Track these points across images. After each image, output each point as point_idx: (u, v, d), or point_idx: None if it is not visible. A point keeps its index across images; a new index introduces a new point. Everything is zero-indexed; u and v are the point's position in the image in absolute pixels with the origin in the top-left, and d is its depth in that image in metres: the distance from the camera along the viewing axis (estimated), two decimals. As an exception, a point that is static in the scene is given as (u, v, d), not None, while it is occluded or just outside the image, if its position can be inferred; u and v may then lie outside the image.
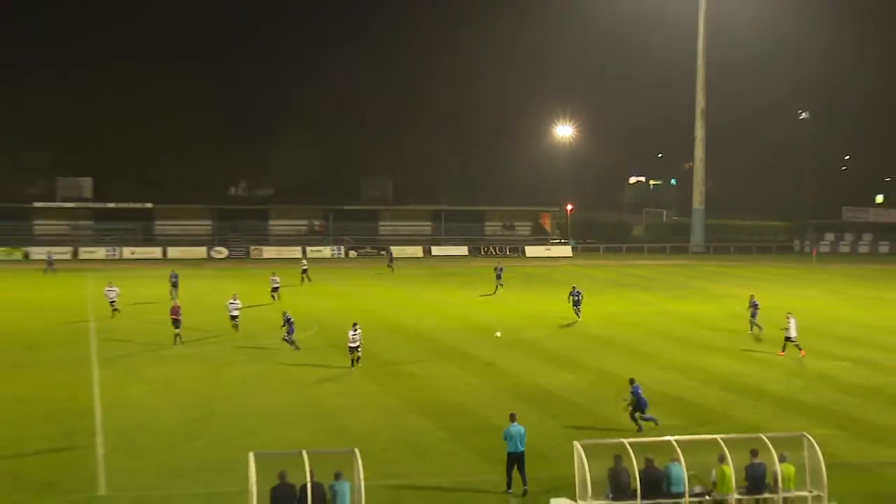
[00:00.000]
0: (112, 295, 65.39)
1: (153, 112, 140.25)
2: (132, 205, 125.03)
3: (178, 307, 56.55)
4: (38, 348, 53.38)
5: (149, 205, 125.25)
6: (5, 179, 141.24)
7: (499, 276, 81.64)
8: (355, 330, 48.12)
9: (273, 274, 75.88)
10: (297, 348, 52.41)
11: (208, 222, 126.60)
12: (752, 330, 59.84)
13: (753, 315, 60.12)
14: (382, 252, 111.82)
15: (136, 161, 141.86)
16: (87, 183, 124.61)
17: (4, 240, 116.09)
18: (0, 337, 57.04)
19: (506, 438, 30.48)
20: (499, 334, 43.84)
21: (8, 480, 31.02)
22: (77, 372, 47.04)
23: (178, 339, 54.61)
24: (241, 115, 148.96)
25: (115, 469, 32.19)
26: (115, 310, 64.67)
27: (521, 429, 30.66)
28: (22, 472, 31.91)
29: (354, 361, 48.08)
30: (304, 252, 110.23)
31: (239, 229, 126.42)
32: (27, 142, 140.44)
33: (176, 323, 55.07)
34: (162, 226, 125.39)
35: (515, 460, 30.25)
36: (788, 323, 52.87)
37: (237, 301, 59.44)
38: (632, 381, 37.22)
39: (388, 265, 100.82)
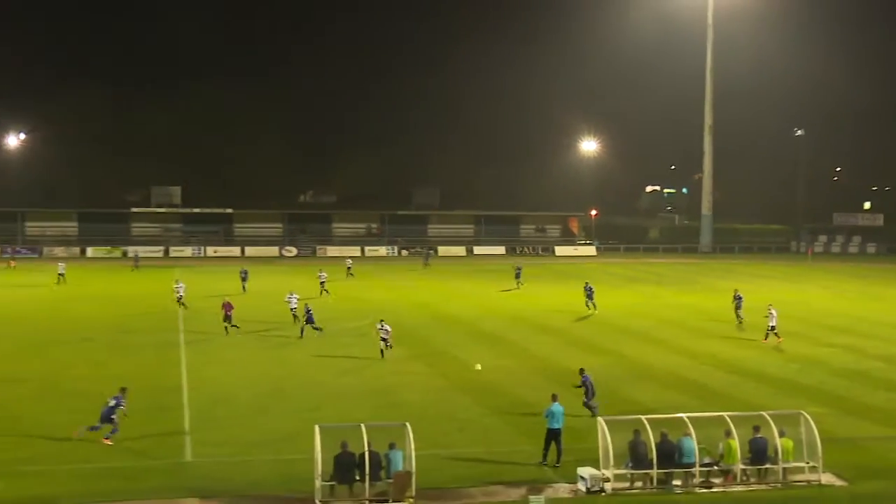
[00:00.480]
0: (180, 290, 64.00)
1: (234, 128, 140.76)
2: (215, 210, 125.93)
3: (230, 303, 54.99)
4: (132, 333, 53.65)
5: (229, 210, 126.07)
6: (109, 188, 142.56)
7: (517, 275, 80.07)
8: (382, 325, 47.24)
9: (320, 271, 75.25)
10: (321, 330, 52.65)
11: (280, 225, 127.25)
12: (738, 320, 59.14)
13: (738, 307, 59.64)
14: (430, 250, 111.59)
15: (219, 171, 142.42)
16: (176, 191, 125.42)
17: (107, 240, 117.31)
18: (100, 323, 57.47)
19: (547, 416, 30.11)
20: (479, 367, 41.24)
21: (108, 447, 31.12)
22: (166, 354, 47.23)
23: (227, 329, 53.49)
24: (310, 132, 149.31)
25: (198, 439, 32.26)
26: (182, 304, 63.24)
27: (561, 408, 30.31)
28: (120, 439, 31.98)
29: (384, 350, 46.85)
30: (361, 251, 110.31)
31: (307, 231, 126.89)
32: (127, 155, 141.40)
33: (227, 317, 53.93)
34: (240, 228, 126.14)
35: (554, 436, 29.92)
36: (770, 313, 52.77)
37: (294, 296, 58.53)
38: (581, 371, 35.82)
39: (424, 263, 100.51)
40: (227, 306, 54.32)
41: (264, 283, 78.92)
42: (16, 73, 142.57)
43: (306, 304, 53.63)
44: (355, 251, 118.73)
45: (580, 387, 35.32)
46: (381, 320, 47.96)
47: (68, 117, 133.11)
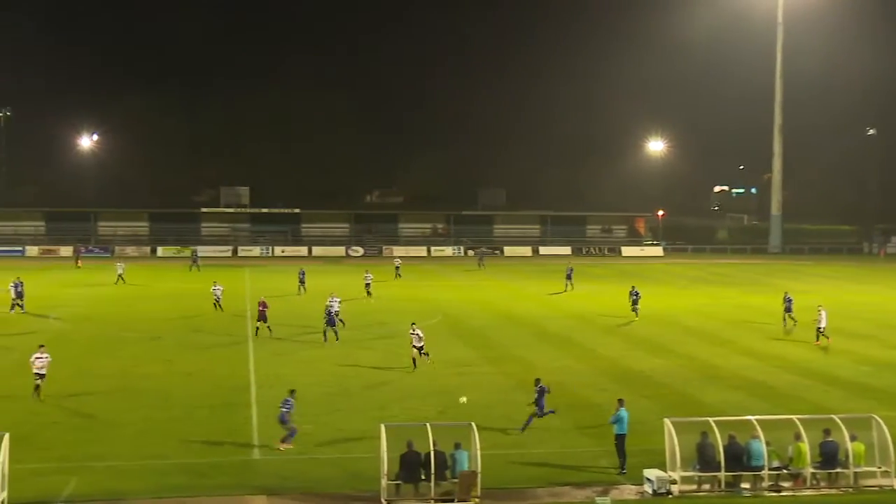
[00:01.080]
0: (217, 293, 62.55)
1: (301, 131, 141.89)
2: (283, 210, 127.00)
3: (265, 302, 53.54)
4: (201, 332, 54.19)
5: (297, 210, 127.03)
6: (180, 189, 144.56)
7: (569, 277, 78.37)
8: (414, 329, 44.31)
9: (367, 271, 74.29)
10: (337, 338, 50.56)
11: (347, 225, 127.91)
12: (785, 323, 58.13)
13: (788, 309, 58.39)
14: (485, 251, 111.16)
15: (287, 172, 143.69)
16: (245, 191, 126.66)
17: (177, 240, 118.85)
18: (169, 321, 58.17)
19: (616, 422, 29.79)
20: (464, 400, 37.88)
21: (178, 443, 31.55)
22: (235, 352, 47.66)
23: (258, 331, 52.09)
24: (378, 133, 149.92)
25: (266, 436, 32.50)
26: (219, 307, 61.83)
27: (627, 413, 30.02)
28: (190, 435, 32.41)
29: (417, 358, 43.87)
30: (428, 251, 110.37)
31: (373, 231, 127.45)
32: (197, 156, 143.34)
33: (261, 315, 52.47)
34: (308, 228, 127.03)
35: (623, 441, 29.72)
36: (819, 315, 52.08)
37: (336, 299, 54.93)
38: (537, 382, 33.98)
39: (479, 264, 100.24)
40: (263, 305, 53.20)
41: (333, 281, 79.28)
42: (89, 75, 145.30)
43: (328, 307, 52.11)
44: (421, 251, 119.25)
45: (535, 402, 33.34)
46: (413, 323, 45.42)
47: (140, 118, 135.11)
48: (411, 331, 44.33)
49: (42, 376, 36.72)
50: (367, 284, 71.49)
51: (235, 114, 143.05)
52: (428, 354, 44.27)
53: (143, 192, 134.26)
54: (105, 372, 42.38)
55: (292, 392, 32.30)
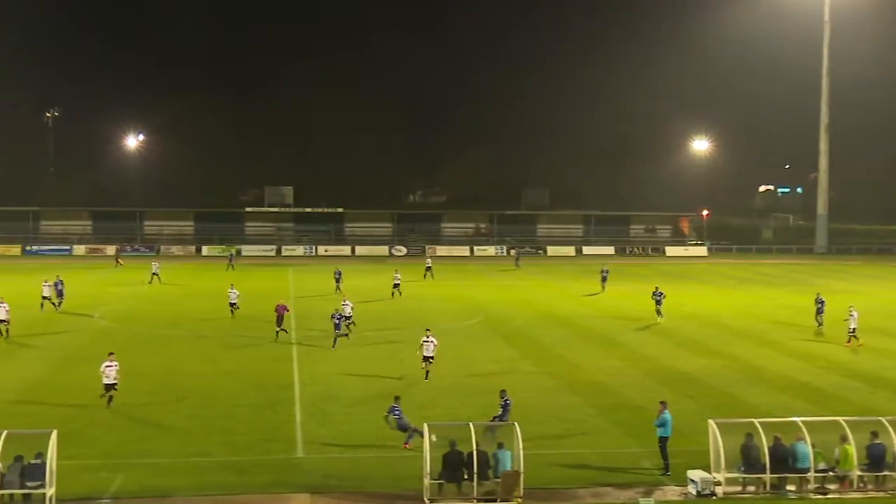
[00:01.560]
0: (233, 297, 60.10)
1: (345, 131, 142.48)
2: (326, 209, 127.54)
3: (284, 305, 51.86)
4: (244, 331, 54.37)
5: (340, 209, 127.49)
6: (225, 188, 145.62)
7: (604, 279, 76.91)
8: (428, 337, 41.39)
9: (396, 271, 73.75)
10: (345, 337, 49.15)
11: (390, 224, 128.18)
12: (818, 324, 56.95)
13: (819, 311, 57.11)
14: (522, 250, 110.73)
15: (330, 172, 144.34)
16: (289, 191, 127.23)
17: (221, 239, 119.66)
18: (213, 320, 58.45)
19: (661, 425, 29.64)
20: (433, 439, 35.92)
21: (221, 441, 31.78)
22: (278, 351, 47.85)
23: (278, 335, 50.53)
24: (421, 133, 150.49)
25: (309, 434, 32.66)
26: (235, 308, 59.73)
27: (670, 416, 29.89)
28: (233, 433, 32.63)
29: (429, 370, 41.28)
30: (471, 251, 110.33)
31: (416, 231, 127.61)
32: (244, 158, 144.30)
33: (279, 320, 50.79)
34: (351, 227, 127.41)
35: (665, 444, 29.60)
36: (850, 315, 51.42)
37: (348, 303, 53.65)
38: (502, 394, 32.59)
39: (516, 263, 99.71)
40: (281, 308, 51.43)
41: (375, 281, 79.54)
42: (135, 76, 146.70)
43: (336, 313, 50.02)
44: (464, 251, 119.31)
45: (499, 415, 31.86)
46: (428, 330, 42.49)
47: (186, 119, 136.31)
48: (425, 338, 41.43)
49: (113, 386, 35.65)
50: (396, 285, 70.72)
51: (280, 114, 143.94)
52: (430, 360, 41.12)
53: (189, 192, 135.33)
54: (150, 370, 42.74)
55: (397, 399, 32.15)
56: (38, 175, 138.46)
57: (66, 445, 27.81)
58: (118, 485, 27.35)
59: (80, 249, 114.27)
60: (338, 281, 73.83)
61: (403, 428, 31.26)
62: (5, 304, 51.25)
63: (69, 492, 26.16)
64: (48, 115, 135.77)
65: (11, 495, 25.46)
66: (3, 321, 50.62)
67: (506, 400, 32.38)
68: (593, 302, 70.20)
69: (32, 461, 25.48)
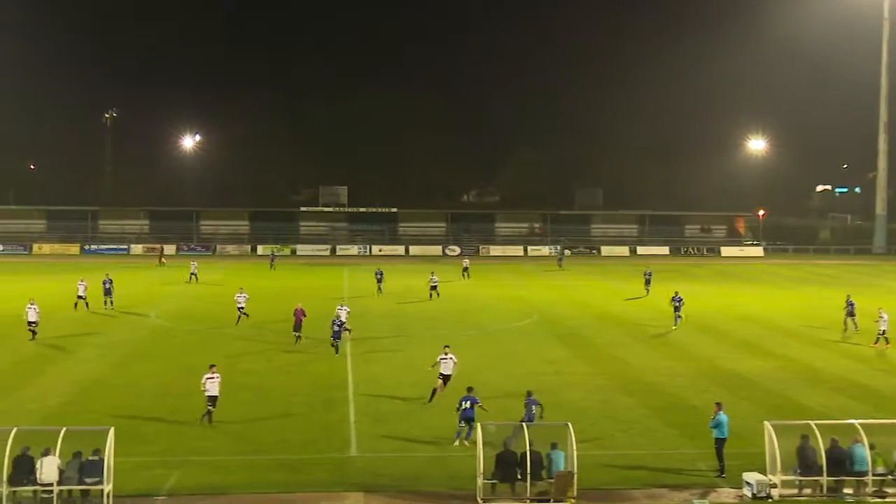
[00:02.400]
0: (241, 301, 56.96)
1: (399, 131, 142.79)
2: (380, 209, 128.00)
3: (303, 310, 50.20)
4: (303, 328, 54.64)
5: (394, 209, 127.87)
6: (280, 189, 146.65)
7: (648, 281, 74.19)
8: (447, 354, 37.74)
9: (432, 273, 71.87)
10: (336, 351, 46.11)
11: (443, 224, 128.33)
12: (846, 327, 55.50)
13: (850, 314, 55.46)
14: (564, 251, 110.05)
15: (385, 172, 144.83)
16: (343, 190, 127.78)
17: (276, 238, 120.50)
18: (270, 319, 58.82)
19: (716, 426, 29.39)
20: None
21: (276, 439, 31.99)
22: (333, 350, 48.00)
23: (298, 340, 49.12)
24: (474, 133, 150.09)
25: (363, 433, 32.78)
26: (243, 315, 56.33)
27: (726, 417, 29.62)
28: (288, 432, 32.84)
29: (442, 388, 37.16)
30: (524, 251, 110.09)
31: (470, 230, 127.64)
32: (299, 158, 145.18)
33: (297, 325, 49.36)
34: (405, 227, 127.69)
35: (721, 445, 29.34)
36: (881, 317, 50.67)
37: (344, 308, 51.44)
38: (528, 395, 32.15)
39: (559, 263, 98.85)
40: (299, 313, 49.87)
41: (412, 282, 79.67)
42: (192, 76, 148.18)
43: (335, 319, 48.05)
44: (518, 250, 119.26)
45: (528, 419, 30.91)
46: (447, 346, 38.55)
47: (241, 119, 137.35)
48: (443, 355, 37.64)
49: (214, 399, 33.72)
50: (434, 287, 69.06)
51: (334, 114, 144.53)
52: (447, 379, 37.09)
53: (244, 192, 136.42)
54: (204, 368, 43.00)
55: (470, 389, 32.17)
56: (96, 175, 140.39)
57: (122, 443, 28.13)
58: (173, 482, 27.65)
59: (137, 249, 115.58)
60: (379, 281, 72.67)
61: (469, 419, 31.00)
62: (35, 306, 50.24)
63: (126, 488, 26.49)
64: (106, 115, 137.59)
65: (70, 491, 25.83)
66: (33, 322, 49.72)
67: (530, 399, 31.90)
68: (647, 302, 69.73)
69: (90, 458, 25.82)
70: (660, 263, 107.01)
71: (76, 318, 57.84)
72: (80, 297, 61.01)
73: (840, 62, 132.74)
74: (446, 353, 37.52)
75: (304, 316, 50.18)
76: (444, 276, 73.71)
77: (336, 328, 47.00)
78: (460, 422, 31.35)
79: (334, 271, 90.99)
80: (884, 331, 50.38)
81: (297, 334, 49.42)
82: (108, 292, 62.78)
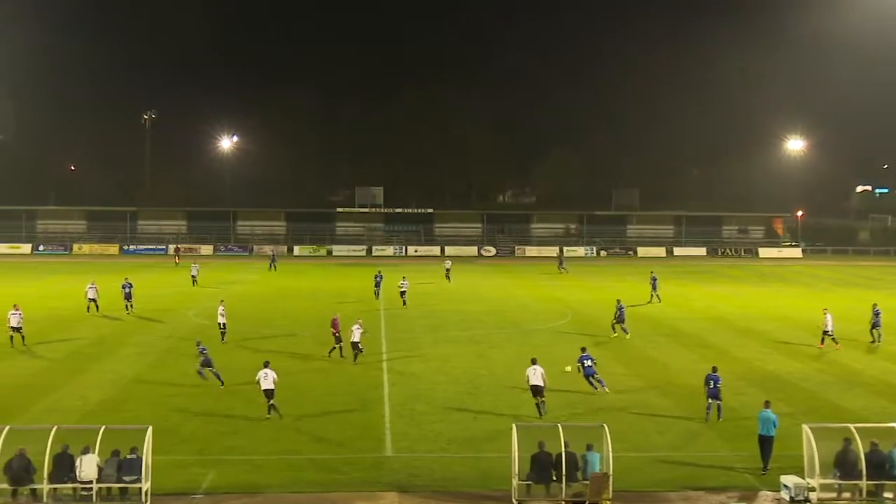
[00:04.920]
0: (221, 317, 51.28)
1: (435, 131, 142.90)
2: (416, 210, 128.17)
3: (338, 320, 46.85)
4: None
5: (430, 210, 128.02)
6: (316, 189, 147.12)
7: (654, 286, 71.12)
8: (535, 367, 35.65)
9: (403, 278, 67.88)
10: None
11: (479, 225, 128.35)
12: (872, 338, 53.03)
13: (876, 324, 53.17)
14: (629, 252, 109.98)
15: (420, 173, 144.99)
16: (379, 191, 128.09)
17: (313, 238, 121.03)
18: (304, 318, 59.08)
19: (762, 423, 29.60)
20: (568, 369, 36.75)
21: (312, 439, 32.08)
22: (369, 349, 48.02)
23: (341, 351, 45.88)
24: (510, 134, 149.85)
25: (398, 433, 32.81)
26: (224, 329, 51.04)
27: (773, 415, 29.69)
28: (323, 431, 32.93)
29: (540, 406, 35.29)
30: (560, 251, 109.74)
31: (505, 231, 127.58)
32: (335, 159, 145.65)
33: (338, 337, 46.09)
34: (440, 227, 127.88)
35: (765, 442, 29.38)
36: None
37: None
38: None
39: (560, 267, 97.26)
40: (335, 325, 46.49)
41: (466, 280, 79.65)
42: (229, 77, 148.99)
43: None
44: (553, 251, 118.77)
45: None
46: (534, 359, 36.56)
47: (278, 120, 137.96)
48: (532, 368, 35.47)
49: (271, 393, 34.30)
50: (403, 292, 65.35)
51: (370, 114, 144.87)
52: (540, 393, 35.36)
53: (280, 192, 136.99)
54: (244, 367, 43.30)
55: (584, 349, 39.12)
56: (135, 176, 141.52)
57: (160, 441, 28.37)
58: (210, 480, 27.80)
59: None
60: (377, 285, 70.15)
61: (591, 374, 36.86)
62: (19, 312, 48.56)
63: (164, 486, 26.65)
64: (145, 116, 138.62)
65: (109, 489, 26.04)
66: (16, 328, 48.11)
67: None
68: (684, 303, 69.41)
69: (128, 456, 26.03)
70: (697, 264, 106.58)
71: (116, 318, 58.30)
72: (90, 300, 60.14)
73: (881, 61, 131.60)
74: (535, 367, 35.32)
75: (339, 327, 46.49)
76: (460, 275, 73.81)
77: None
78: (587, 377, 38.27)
79: (371, 272, 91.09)
80: (828, 331, 49.94)
81: (339, 346, 45.87)
82: (128, 297, 61.07)
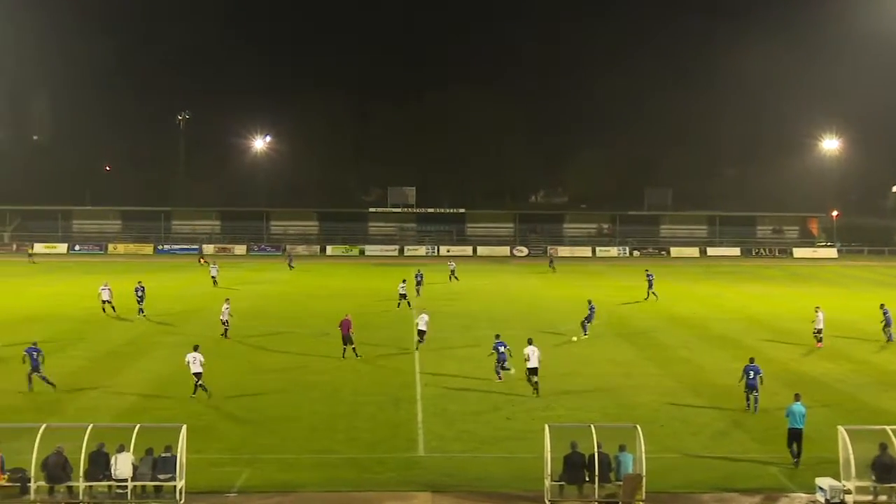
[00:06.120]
0: (225, 314, 52.00)
1: (468, 131, 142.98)
2: (448, 210, 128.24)
3: (349, 321, 46.92)
4: (369, 328, 54.93)
5: (462, 210, 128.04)
6: (349, 189, 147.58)
7: (650, 284, 71.91)
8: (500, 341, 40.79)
9: (403, 281, 66.78)
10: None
11: (511, 225, 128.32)
12: (886, 337, 52.84)
13: (888, 323, 53.00)
14: (553, 254, 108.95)
15: (452, 173, 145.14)
16: (411, 191, 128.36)
17: (345, 238, 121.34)
18: (338, 319, 59.11)
19: (788, 416, 29.86)
20: (575, 339, 37.04)
21: (345, 438, 32.17)
22: (402, 349, 48.20)
23: (345, 352, 45.87)
24: (543, 135, 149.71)
25: (430, 433, 32.83)
26: (227, 327, 51.68)
27: (803, 408, 29.85)
28: (356, 430, 33.01)
29: (534, 387, 38.16)
30: (592, 251, 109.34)
31: (538, 231, 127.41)
32: (368, 159, 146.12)
33: (346, 338, 46.00)
34: (472, 227, 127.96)
35: (794, 436, 29.50)
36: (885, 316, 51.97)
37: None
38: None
39: (550, 266, 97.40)
40: (347, 325, 46.50)
41: (501, 281, 79.56)
42: (263, 78, 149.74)
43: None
44: (586, 251, 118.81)
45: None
46: (498, 335, 41.78)
47: (311, 120, 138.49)
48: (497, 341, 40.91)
49: (199, 375, 37.24)
50: (403, 295, 64.40)
51: (403, 114, 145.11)
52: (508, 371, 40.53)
53: (313, 192, 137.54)
54: (276, 366, 43.56)
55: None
56: (169, 176, 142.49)
57: (194, 440, 28.55)
58: (245, 479, 27.93)
59: (208, 249, 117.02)
60: (419, 284, 72.11)
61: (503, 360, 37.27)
62: (108, 287, 58.69)
63: (198, 485, 26.80)
64: (179, 117, 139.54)
65: (144, 486, 26.23)
66: (107, 301, 57.11)
67: (751, 365, 36.35)
68: (718, 304, 69.12)
69: (163, 454, 26.21)
70: (730, 265, 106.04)
71: (149, 317, 58.65)
72: (105, 301, 59.98)
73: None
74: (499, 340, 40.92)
75: (352, 327, 46.64)
76: (475, 276, 73.67)
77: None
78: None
79: (405, 272, 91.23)
80: (819, 329, 50.55)
81: (346, 347, 45.97)
82: (140, 300, 59.63)
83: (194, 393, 36.96)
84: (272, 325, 56.29)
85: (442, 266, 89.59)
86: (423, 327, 48.20)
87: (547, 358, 45.70)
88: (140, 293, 60.37)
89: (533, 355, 38.06)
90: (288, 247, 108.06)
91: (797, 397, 30.33)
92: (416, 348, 47.49)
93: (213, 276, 78.35)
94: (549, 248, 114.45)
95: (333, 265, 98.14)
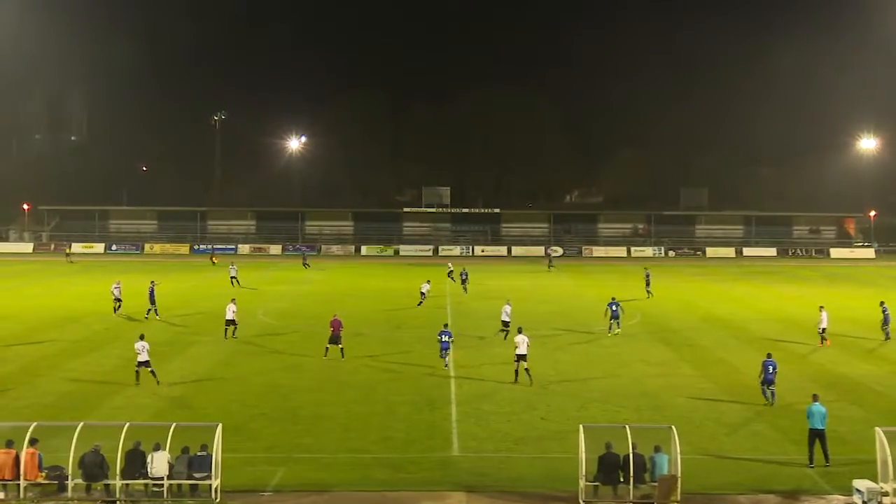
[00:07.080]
0: (230, 313, 51.53)
1: (502, 132, 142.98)
2: (483, 210, 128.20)
3: (339, 320, 46.13)
4: (403, 328, 55.18)
5: (496, 210, 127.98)
6: (384, 189, 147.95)
7: (647, 283, 72.16)
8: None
9: (427, 281, 67.65)
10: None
11: (546, 225, 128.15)
12: (885, 336, 52.77)
13: (886, 321, 52.96)
14: (553, 254, 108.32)
15: (487, 173, 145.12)
16: (446, 191, 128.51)
17: (380, 239, 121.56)
18: (371, 318, 59.45)
19: (808, 417, 29.74)
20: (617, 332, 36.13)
21: (379, 438, 32.19)
22: (434, 349, 48.07)
23: (341, 351, 45.33)
24: (577, 135, 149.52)
25: (464, 433, 32.79)
26: (233, 325, 51.42)
27: (823, 409, 29.66)
28: (391, 431, 33.02)
29: (521, 372, 39.95)
30: (627, 251, 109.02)
31: (572, 231, 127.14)
32: (403, 159, 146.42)
33: (334, 337, 45.50)
34: (507, 228, 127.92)
35: (816, 437, 29.34)
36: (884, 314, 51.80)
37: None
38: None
39: (548, 266, 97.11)
40: (336, 325, 45.89)
41: (533, 281, 79.35)
42: (298, 79, 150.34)
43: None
44: (621, 251, 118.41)
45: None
46: (520, 328, 42.22)
47: (346, 121, 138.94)
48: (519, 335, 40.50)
49: (148, 363, 39.36)
50: (423, 294, 65.61)
51: (438, 115, 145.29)
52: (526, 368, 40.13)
53: (348, 193, 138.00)
54: (311, 366, 43.68)
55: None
56: (205, 176, 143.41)
57: (230, 439, 28.71)
58: (279, 477, 28.02)
59: (244, 248, 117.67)
60: (465, 282, 74.37)
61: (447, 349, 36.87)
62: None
63: (233, 483, 26.91)
64: (215, 118, 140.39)
65: (180, 485, 26.38)
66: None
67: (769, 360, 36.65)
68: (754, 304, 68.68)
69: (198, 453, 26.34)
70: (766, 265, 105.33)
71: (185, 316, 59.03)
72: (116, 299, 60.06)
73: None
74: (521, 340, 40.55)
75: (342, 328, 45.96)
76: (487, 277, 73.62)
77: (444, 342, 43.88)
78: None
79: (439, 272, 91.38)
80: (823, 328, 50.58)
81: (329, 346, 45.43)
82: (152, 301, 58.41)
83: (137, 381, 39.19)
84: (307, 325, 56.47)
85: (481, 266, 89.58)
86: (505, 318, 51.27)
87: (582, 358, 45.76)
88: (153, 293, 58.69)
89: (522, 343, 39.99)
90: (302, 246, 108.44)
91: (815, 398, 30.06)
92: (504, 337, 49.83)
93: (232, 277, 77.93)
94: (547, 248, 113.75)
95: (368, 265, 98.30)
